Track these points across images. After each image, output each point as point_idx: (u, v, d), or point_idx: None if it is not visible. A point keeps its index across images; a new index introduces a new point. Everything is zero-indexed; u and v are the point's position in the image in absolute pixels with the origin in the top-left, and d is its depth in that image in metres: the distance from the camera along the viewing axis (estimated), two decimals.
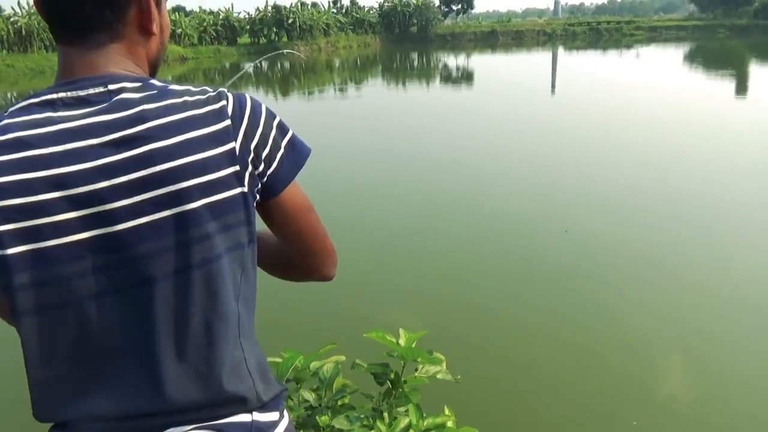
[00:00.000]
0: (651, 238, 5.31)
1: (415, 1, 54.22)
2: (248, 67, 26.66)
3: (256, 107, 0.80)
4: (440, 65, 31.85)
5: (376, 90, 20.46)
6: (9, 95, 25.18)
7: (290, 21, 46.27)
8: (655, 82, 18.36)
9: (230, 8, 48.00)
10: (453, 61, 33.82)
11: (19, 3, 36.66)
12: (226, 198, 0.74)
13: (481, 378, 3.23)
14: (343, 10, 54.00)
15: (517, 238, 5.51)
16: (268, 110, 0.81)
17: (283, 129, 0.83)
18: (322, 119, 13.38)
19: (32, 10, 36.00)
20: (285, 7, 47.11)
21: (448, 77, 24.52)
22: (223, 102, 0.77)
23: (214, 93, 0.77)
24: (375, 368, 1.57)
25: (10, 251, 0.68)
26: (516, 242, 5.39)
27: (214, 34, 45.08)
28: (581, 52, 37.15)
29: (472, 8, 62.37)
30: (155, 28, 0.82)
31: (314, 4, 51.27)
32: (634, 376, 3.33)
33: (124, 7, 0.76)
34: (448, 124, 12.35)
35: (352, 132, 11.93)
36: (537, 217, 6.08)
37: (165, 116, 0.72)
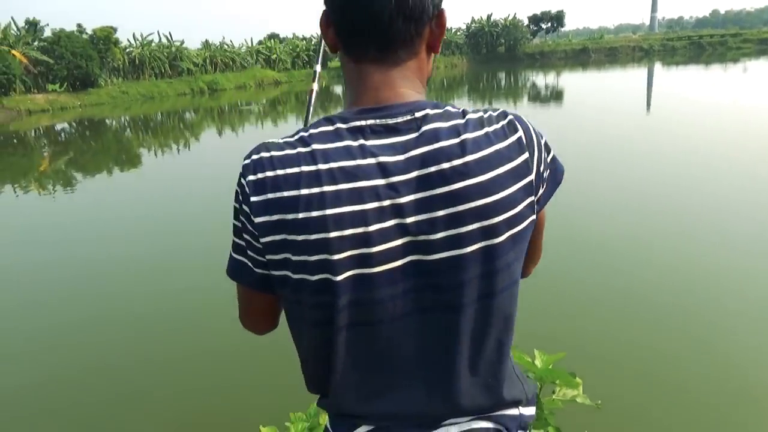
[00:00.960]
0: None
1: (503, 21, 53.95)
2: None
3: (537, 133, 0.81)
4: (528, 84, 31.31)
5: None
6: (123, 119, 27.40)
7: None
8: (764, 97, 17.07)
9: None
10: (542, 80, 33.15)
11: (134, 35, 40.05)
12: (524, 227, 0.78)
13: (618, 404, 3.08)
14: None
15: (618, 269, 5.27)
16: (538, 132, 0.82)
17: (548, 148, 0.83)
18: None
19: (145, 42, 39.18)
20: None
21: (536, 96, 24.02)
22: (519, 133, 0.78)
23: (506, 121, 0.79)
24: None
25: (340, 277, 0.72)
26: (619, 275, 5.13)
27: (306, 59, 47.08)
28: (681, 67, 35.29)
29: (562, 26, 61.06)
30: (439, 47, 0.83)
31: None
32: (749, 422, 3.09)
33: (424, 23, 0.78)
34: None
35: None
36: (634, 247, 5.70)
37: (476, 151, 0.74)
